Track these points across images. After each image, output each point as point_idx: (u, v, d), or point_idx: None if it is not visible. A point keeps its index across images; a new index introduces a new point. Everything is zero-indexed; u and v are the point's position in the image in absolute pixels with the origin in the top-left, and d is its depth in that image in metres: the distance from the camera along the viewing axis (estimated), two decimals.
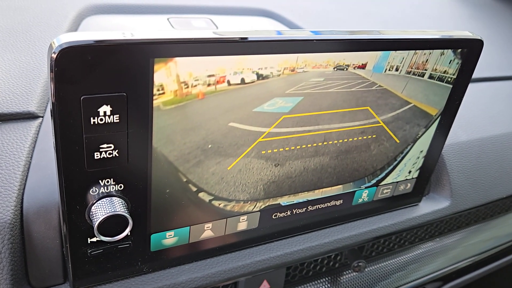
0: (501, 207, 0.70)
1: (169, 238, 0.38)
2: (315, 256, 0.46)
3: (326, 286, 0.55)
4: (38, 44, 0.49)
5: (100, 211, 0.32)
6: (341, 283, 0.56)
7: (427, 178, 0.51)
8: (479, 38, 0.43)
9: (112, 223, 0.33)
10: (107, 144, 0.30)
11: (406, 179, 0.50)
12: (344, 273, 0.57)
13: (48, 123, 0.41)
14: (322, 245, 0.46)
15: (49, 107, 0.28)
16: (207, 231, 0.40)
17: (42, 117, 0.41)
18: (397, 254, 0.61)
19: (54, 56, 0.26)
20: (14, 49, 0.47)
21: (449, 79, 0.44)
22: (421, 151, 0.48)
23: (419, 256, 0.63)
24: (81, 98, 0.28)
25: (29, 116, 0.41)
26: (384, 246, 0.60)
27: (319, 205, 0.45)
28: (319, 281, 0.55)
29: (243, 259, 0.42)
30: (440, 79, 0.43)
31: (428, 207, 0.54)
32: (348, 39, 0.35)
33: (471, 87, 0.68)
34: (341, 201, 0.46)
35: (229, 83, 0.33)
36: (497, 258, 0.75)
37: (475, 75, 0.69)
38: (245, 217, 0.41)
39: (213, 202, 0.38)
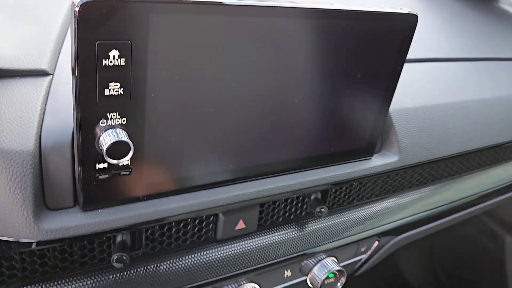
0: (448, 171, 0.81)
1: None
2: (282, 194, 0.55)
3: (293, 231, 0.64)
4: (46, 18, 0.56)
5: (108, 139, 0.40)
6: (306, 229, 0.65)
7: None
8: (415, 13, 0.53)
9: (118, 149, 0.41)
10: (114, 82, 0.39)
11: None
12: (309, 220, 0.66)
13: (58, 79, 0.49)
14: (288, 185, 0.55)
15: (71, 50, 0.37)
16: None
17: (53, 74, 0.49)
18: (355, 208, 0.71)
19: (77, 9, 0.35)
20: (25, 21, 0.55)
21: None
22: None
23: (375, 211, 0.73)
24: (96, 43, 0.36)
25: (42, 73, 0.48)
26: (344, 199, 0.69)
27: None
28: (287, 225, 0.64)
29: (222, 194, 0.51)
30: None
31: (380, 161, 0.64)
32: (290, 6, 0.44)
33: (421, 66, 0.78)
34: None
35: None
36: (444, 216, 0.86)
37: (425, 55, 0.80)
38: None
39: None
